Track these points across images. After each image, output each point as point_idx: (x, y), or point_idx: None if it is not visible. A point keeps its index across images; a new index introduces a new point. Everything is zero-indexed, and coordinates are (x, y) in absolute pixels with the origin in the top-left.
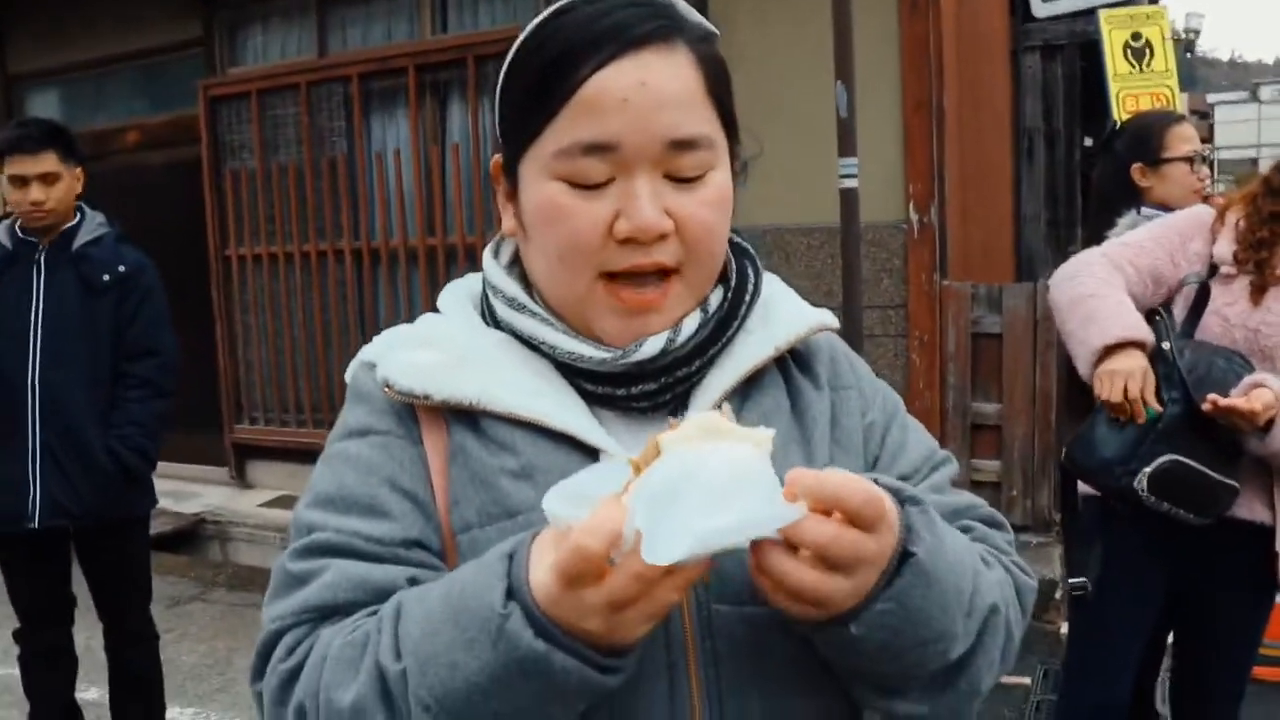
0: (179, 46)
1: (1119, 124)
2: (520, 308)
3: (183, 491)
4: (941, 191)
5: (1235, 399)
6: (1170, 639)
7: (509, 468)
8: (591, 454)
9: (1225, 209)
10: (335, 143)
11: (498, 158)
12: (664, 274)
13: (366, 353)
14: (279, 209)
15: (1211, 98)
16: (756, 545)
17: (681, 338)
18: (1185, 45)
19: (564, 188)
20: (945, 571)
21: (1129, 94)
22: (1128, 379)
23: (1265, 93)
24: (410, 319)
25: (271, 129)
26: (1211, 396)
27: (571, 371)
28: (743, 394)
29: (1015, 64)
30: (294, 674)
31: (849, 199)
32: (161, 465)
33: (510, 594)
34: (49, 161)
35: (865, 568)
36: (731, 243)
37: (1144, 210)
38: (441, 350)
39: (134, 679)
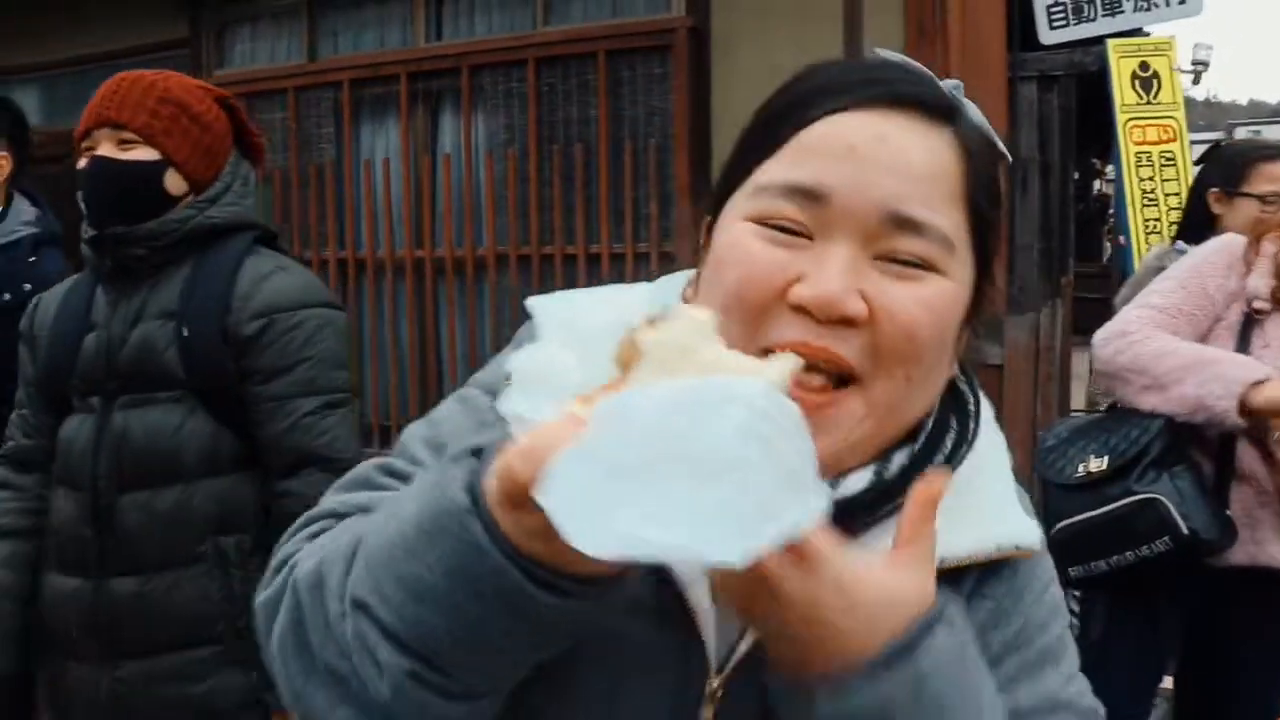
0: (164, 46)
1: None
2: None
3: None
4: None
5: None
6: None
7: None
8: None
9: (1260, 238)
10: (323, 150)
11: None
12: (840, 381)
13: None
14: (262, 216)
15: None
16: None
17: (836, 493)
18: (1194, 77)
19: (754, 229)
20: (950, 696)
21: (1135, 124)
22: None
23: (1239, 134)
24: (395, 332)
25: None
26: None
27: None
28: None
29: (1011, 94)
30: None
31: None
32: None
33: (471, 457)
34: None
35: (788, 612)
36: (955, 384)
37: (1178, 244)
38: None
39: None
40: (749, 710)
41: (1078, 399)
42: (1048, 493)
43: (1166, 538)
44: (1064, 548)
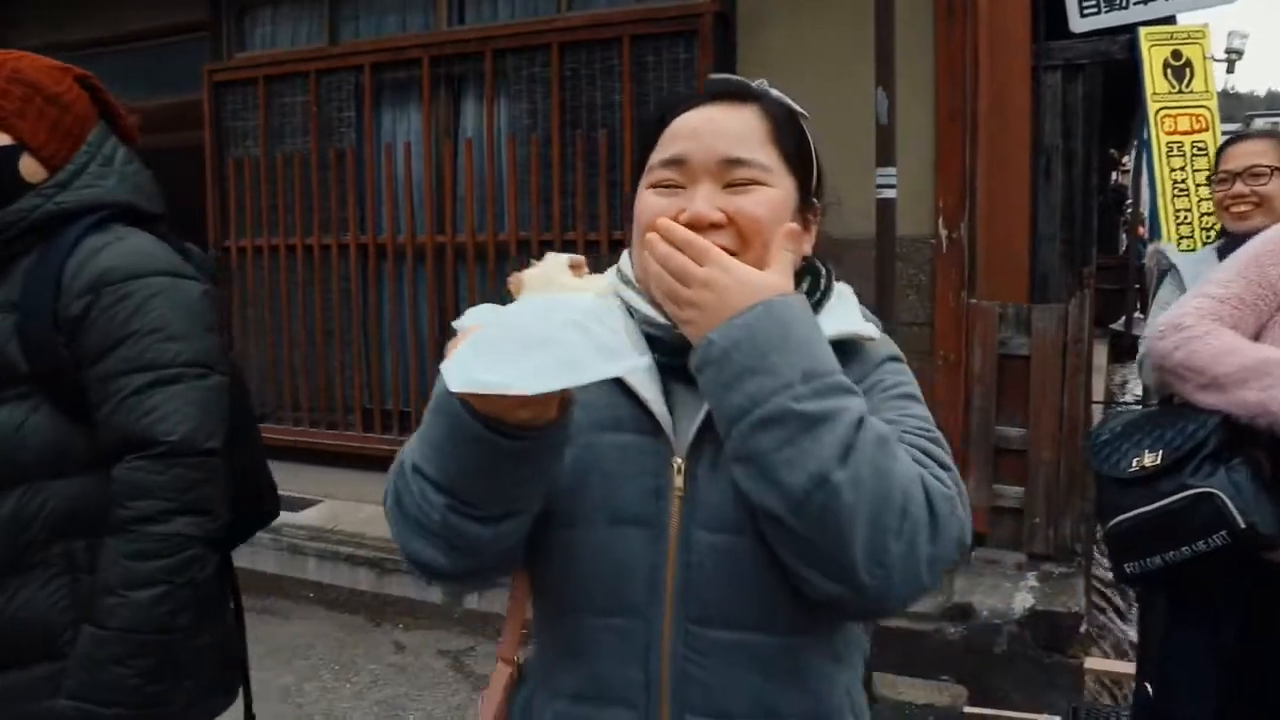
0: (185, 29)
1: None
2: (626, 281)
3: None
4: (972, 207)
5: None
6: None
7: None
8: (635, 398)
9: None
10: (344, 134)
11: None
12: None
13: None
14: (282, 200)
15: None
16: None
17: None
18: (1227, 66)
19: (651, 192)
20: (796, 329)
21: (1167, 114)
22: None
23: (1258, 124)
24: (415, 318)
25: (278, 117)
26: None
27: (650, 342)
28: None
29: (1036, 82)
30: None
31: (886, 210)
32: None
33: None
34: None
35: (697, 287)
36: (810, 261)
37: (1163, 245)
38: None
39: None
40: (702, 473)
41: (1096, 391)
42: (1102, 487)
43: (1224, 532)
44: (1118, 543)
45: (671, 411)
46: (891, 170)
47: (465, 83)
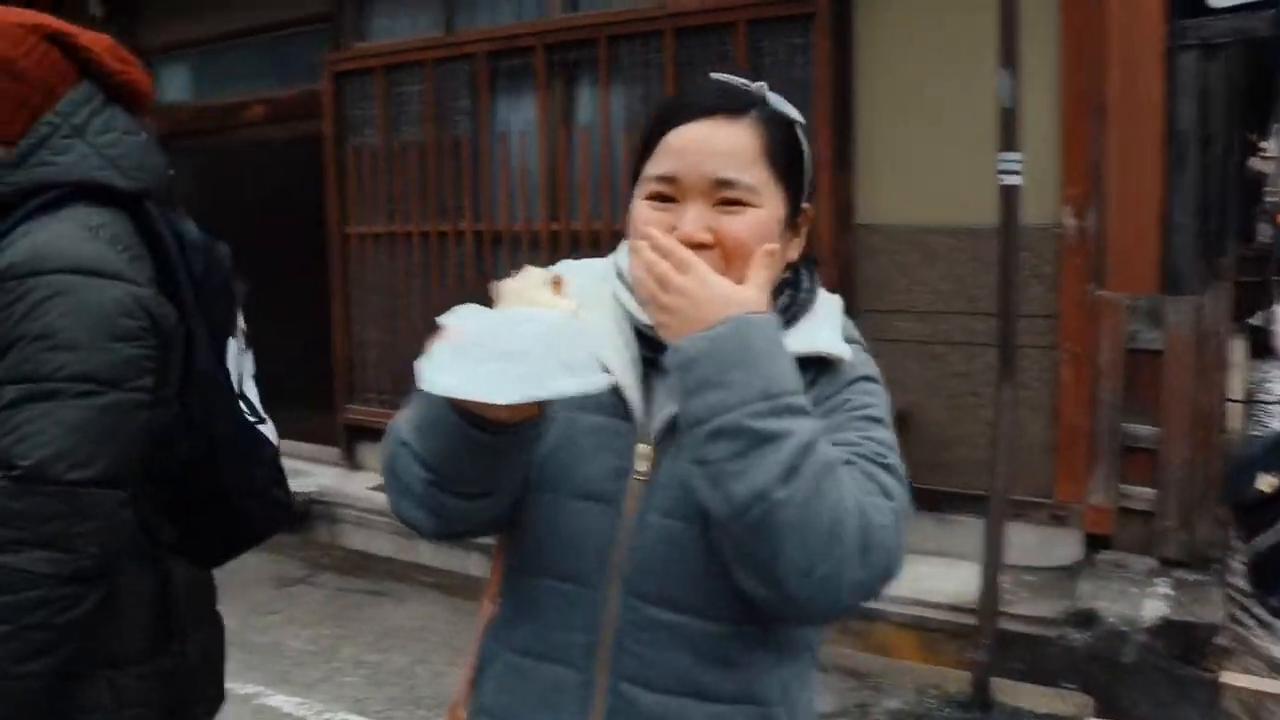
0: (306, 21)
1: None
2: (619, 276)
3: (297, 470)
4: (1100, 194)
5: None
6: None
7: None
8: (615, 385)
9: None
10: (460, 122)
11: None
12: None
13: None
14: (400, 188)
15: None
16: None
17: None
18: None
19: (646, 203)
20: (759, 348)
21: None
22: None
23: None
24: None
25: (396, 106)
26: None
27: (640, 336)
28: None
29: (1170, 63)
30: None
31: (1010, 196)
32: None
33: None
34: None
35: (674, 294)
36: (796, 270)
37: None
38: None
39: None
40: (667, 461)
41: (1233, 390)
42: (1236, 517)
43: None
44: (1257, 574)
45: (649, 401)
46: (1016, 155)
47: (579, 70)
